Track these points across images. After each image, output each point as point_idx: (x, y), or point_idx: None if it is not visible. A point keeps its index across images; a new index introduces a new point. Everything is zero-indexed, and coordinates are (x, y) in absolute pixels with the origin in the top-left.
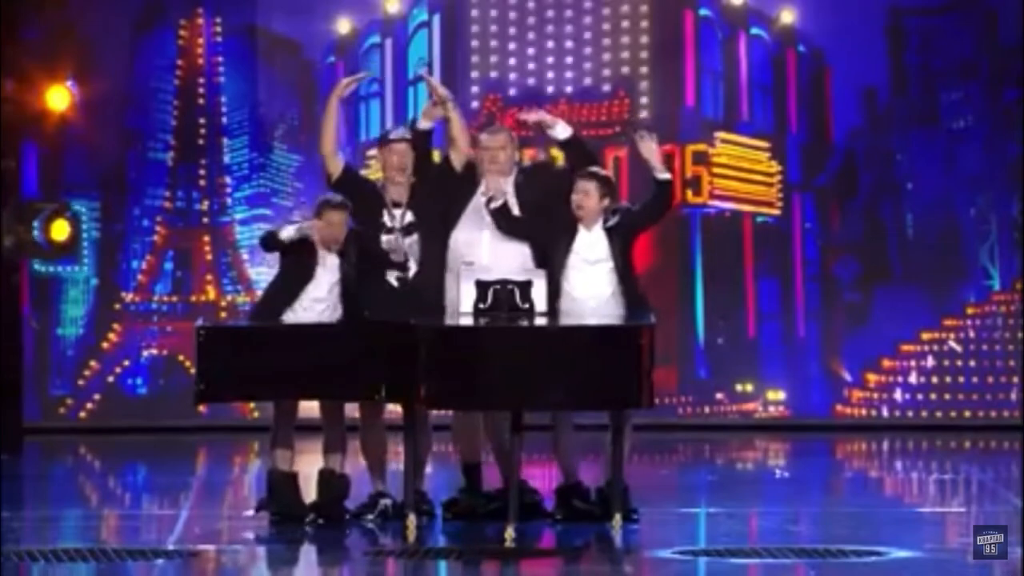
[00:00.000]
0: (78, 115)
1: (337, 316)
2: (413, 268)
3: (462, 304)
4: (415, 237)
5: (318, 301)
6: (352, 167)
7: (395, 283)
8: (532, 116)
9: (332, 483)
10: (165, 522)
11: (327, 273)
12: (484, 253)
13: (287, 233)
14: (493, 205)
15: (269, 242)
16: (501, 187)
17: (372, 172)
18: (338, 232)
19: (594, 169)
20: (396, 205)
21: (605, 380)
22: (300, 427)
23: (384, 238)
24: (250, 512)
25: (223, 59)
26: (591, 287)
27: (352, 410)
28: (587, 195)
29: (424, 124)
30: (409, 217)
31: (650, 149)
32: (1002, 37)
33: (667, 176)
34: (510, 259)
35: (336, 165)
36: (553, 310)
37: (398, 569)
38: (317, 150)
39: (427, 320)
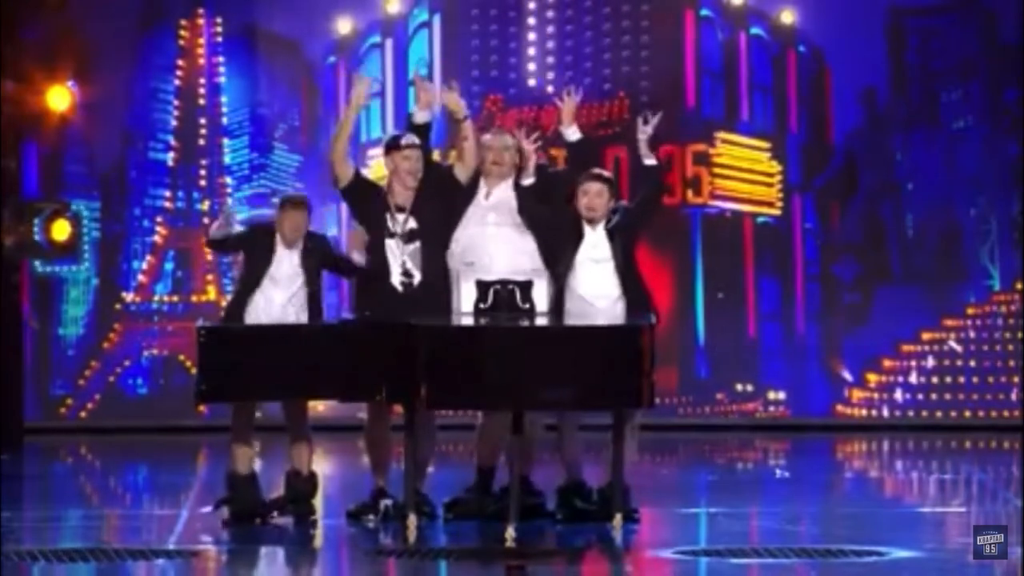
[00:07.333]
0: (78, 115)
1: (299, 306)
2: (417, 277)
3: (462, 304)
4: (417, 244)
5: (276, 288)
6: (361, 173)
7: (400, 288)
8: (569, 102)
9: (298, 483)
10: (165, 522)
11: (284, 265)
12: (488, 253)
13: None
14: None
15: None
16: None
17: (372, 172)
18: (300, 225)
19: (598, 171)
20: (400, 210)
21: (605, 380)
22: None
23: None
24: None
25: (223, 59)
26: (599, 287)
27: (356, 409)
28: (599, 196)
29: (421, 117)
30: (412, 224)
31: (640, 133)
32: (1002, 37)
33: (652, 162)
34: (512, 258)
35: (346, 171)
36: (561, 311)
37: (398, 569)
38: (328, 155)
39: (427, 320)
